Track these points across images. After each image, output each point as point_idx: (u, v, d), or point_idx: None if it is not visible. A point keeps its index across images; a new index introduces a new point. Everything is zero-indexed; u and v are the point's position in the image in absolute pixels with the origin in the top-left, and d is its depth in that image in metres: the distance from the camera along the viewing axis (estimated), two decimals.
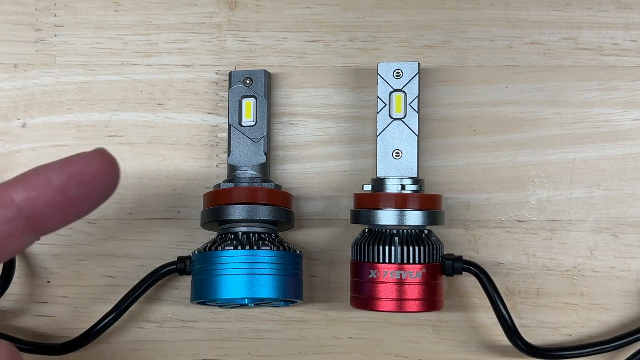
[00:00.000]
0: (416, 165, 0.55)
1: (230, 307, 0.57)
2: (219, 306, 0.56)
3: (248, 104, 0.56)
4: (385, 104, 0.55)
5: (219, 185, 0.55)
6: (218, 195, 0.54)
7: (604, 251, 0.57)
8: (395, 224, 0.53)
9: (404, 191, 0.54)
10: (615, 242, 0.57)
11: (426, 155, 0.57)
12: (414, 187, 0.54)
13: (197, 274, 0.54)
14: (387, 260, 0.53)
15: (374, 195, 0.54)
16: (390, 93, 0.55)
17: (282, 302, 0.55)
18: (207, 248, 0.54)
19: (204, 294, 0.53)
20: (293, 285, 0.54)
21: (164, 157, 0.58)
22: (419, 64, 0.55)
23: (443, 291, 0.55)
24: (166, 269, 0.55)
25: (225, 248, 0.53)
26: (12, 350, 0.37)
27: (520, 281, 0.57)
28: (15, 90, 0.58)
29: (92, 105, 0.58)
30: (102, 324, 0.55)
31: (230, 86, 0.56)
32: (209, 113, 0.58)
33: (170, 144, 0.58)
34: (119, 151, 0.58)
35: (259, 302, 0.54)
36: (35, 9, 0.58)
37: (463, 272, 0.55)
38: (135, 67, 0.58)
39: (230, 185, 0.55)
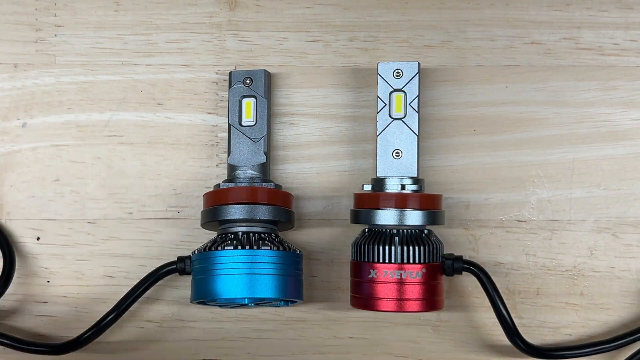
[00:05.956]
0: (416, 165, 0.55)
1: (230, 307, 0.57)
2: (219, 306, 0.56)
3: (248, 104, 0.56)
4: (385, 104, 0.55)
5: (219, 185, 0.55)
6: (218, 195, 0.54)
7: (604, 251, 0.57)
8: (395, 223, 0.53)
9: (404, 191, 0.54)
10: (615, 242, 0.57)
11: (426, 155, 0.57)
12: (414, 187, 0.54)
13: (197, 273, 0.54)
14: (387, 260, 0.53)
15: (374, 195, 0.54)
16: (390, 93, 0.55)
17: (282, 302, 0.55)
18: (207, 248, 0.54)
19: (204, 294, 0.53)
20: (293, 285, 0.54)
21: (164, 157, 0.58)
22: (419, 64, 0.55)
23: (443, 291, 0.55)
24: (166, 269, 0.55)
25: (225, 248, 0.53)
26: None
27: (520, 281, 0.57)
28: (15, 90, 0.58)
29: (92, 105, 0.58)
30: (102, 324, 0.55)
31: (230, 86, 0.56)
32: (209, 113, 0.58)
33: (170, 144, 0.58)
34: (119, 151, 0.58)
35: (259, 302, 0.54)
36: (35, 9, 0.58)
37: (463, 272, 0.55)
38: (135, 67, 0.58)
39: (230, 185, 0.55)
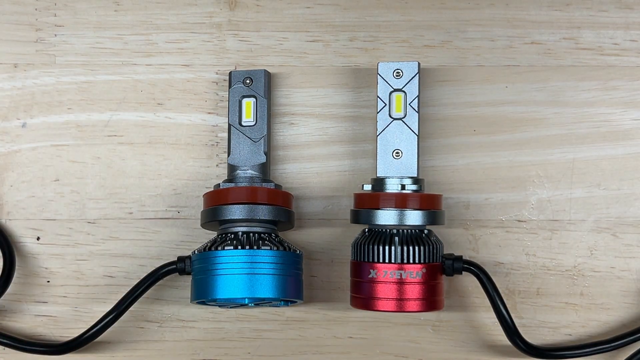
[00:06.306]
0: (416, 165, 0.55)
1: (230, 307, 0.57)
2: (219, 306, 0.56)
3: (248, 104, 0.56)
4: (385, 104, 0.55)
5: (219, 185, 0.55)
6: (218, 195, 0.54)
7: (604, 251, 0.57)
8: (395, 223, 0.53)
9: (404, 191, 0.54)
10: (615, 242, 0.57)
11: (426, 155, 0.57)
12: (414, 187, 0.54)
13: (197, 273, 0.54)
14: (387, 260, 0.53)
15: (374, 195, 0.54)
16: (390, 93, 0.55)
17: (282, 302, 0.55)
18: (207, 248, 0.54)
19: (204, 294, 0.53)
20: (293, 285, 0.54)
21: (164, 157, 0.58)
22: (419, 64, 0.55)
23: (443, 291, 0.55)
24: (166, 269, 0.55)
25: (225, 248, 0.53)
26: None
27: (520, 281, 0.57)
28: (15, 90, 0.58)
29: (92, 105, 0.58)
30: (102, 324, 0.55)
31: (230, 86, 0.56)
32: (209, 113, 0.58)
33: (170, 144, 0.58)
34: (119, 151, 0.58)
35: (259, 302, 0.54)
36: (35, 9, 0.58)
37: (463, 272, 0.55)
38: (135, 67, 0.58)
39: (230, 185, 0.55)
